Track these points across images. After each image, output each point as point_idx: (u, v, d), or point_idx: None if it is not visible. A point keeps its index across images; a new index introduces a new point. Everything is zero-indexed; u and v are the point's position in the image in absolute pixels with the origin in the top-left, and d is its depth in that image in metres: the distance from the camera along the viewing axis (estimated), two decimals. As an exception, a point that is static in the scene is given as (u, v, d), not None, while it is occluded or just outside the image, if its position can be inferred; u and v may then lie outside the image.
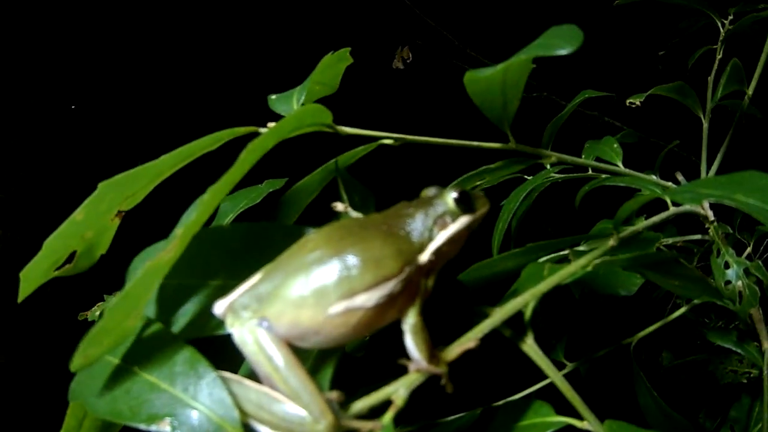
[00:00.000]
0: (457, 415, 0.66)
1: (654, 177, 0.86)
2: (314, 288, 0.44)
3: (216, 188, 0.44)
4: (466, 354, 0.52)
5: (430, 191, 0.53)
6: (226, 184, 0.45)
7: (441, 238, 0.49)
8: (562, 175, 0.95)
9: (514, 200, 0.88)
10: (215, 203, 0.46)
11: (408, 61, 2.00)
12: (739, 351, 0.86)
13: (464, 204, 0.50)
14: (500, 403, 0.68)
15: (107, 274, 0.71)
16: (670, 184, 0.85)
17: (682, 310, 0.84)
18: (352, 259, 0.45)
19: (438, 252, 0.49)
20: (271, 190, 0.78)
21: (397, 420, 0.46)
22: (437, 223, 0.49)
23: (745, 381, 1.00)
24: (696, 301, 0.86)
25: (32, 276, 0.53)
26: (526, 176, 0.98)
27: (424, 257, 0.48)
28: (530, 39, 0.53)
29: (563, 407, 0.59)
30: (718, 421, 0.96)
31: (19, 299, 0.55)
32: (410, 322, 0.47)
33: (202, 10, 2.72)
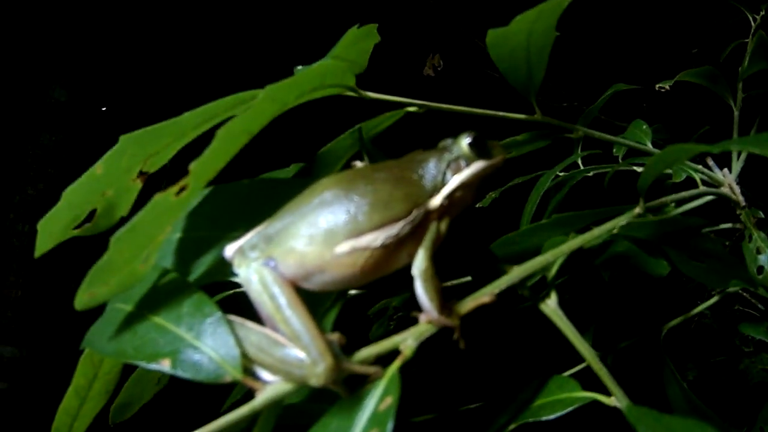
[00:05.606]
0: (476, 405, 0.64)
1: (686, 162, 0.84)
2: (322, 227, 0.44)
3: (230, 127, 0.43)
4: (494, 332, 0.50)
5: (446, 142, 0.52)
6: (241, 124, 0.44)
7: (454, 182, 0.49)
8: (593, 167, 0.94)
9: (542, 184, 0.87)
10: (230, 144, 0.45)
11: (439, 69, 2.01)
12: (772, 344, 0.83)
13: (479, 148, 0.50)
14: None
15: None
16: (700, 166, 0.83)
17: (713, 299, 0.81)
18: (360, 200, 0.45)
19: (451, 196, 0.48)
20: (297, 170, 0.78)
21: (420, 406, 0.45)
22: (451, 167, 0.49)
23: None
24: (730, 290, 0.83)
25: (50, 229, 0.53)
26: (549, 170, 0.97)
27: (436, 201, 0.48)
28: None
29: (589, 386, 0.57)
30: (747, 425, 0.93)
31: (36, 254, 0.54)
32: (421, 267, 0.46)
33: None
